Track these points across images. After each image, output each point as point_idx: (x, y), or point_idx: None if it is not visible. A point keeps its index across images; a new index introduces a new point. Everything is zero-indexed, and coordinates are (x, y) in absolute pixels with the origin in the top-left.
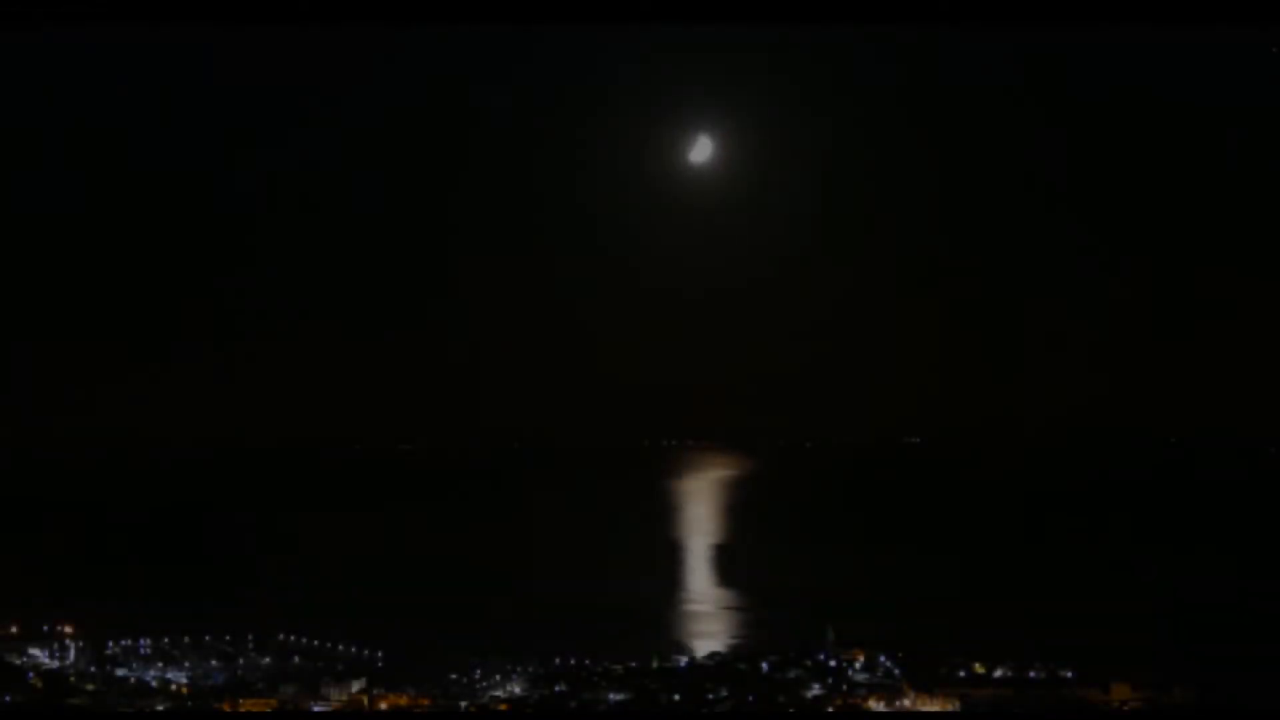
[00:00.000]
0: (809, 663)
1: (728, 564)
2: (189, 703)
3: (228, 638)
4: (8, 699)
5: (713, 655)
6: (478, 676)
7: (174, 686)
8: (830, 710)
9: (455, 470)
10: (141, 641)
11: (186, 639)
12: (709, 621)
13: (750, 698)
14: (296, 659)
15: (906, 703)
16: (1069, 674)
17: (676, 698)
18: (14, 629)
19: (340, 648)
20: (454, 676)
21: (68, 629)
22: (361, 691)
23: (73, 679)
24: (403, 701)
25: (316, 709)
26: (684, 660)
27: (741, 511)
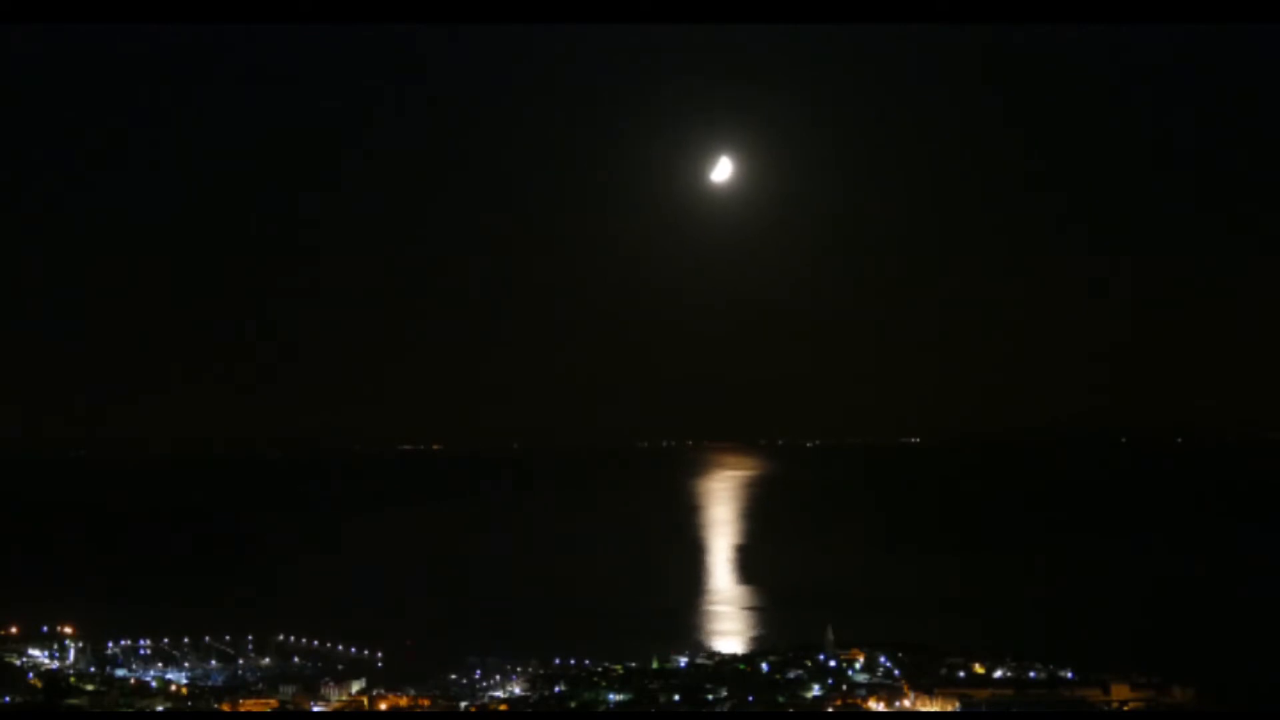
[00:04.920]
0: (809, 663)
1: (743, 563)
2: (189, 703)
3: (227, 638)
4: (7, 699)
5: (712, 655)
6: (478, 676)
7: (174, 687)
8: (830, 710)
9: (459, 471)
10: (141, 642)
11: (186, 639)
12: (724, 621)
13: (750, 698)
14: (296, 659)
15: (906, 703)
16: (1069, 674)
17: (676, 698)
18: (14, 629)
19: (340, 648)
20: (454, 676)
21: (68, 629)
22: (362, 692)
23: (73, 679)
24: (403, 702)
25: (316, 709)
26: (684, 660)
27: (756, 512)
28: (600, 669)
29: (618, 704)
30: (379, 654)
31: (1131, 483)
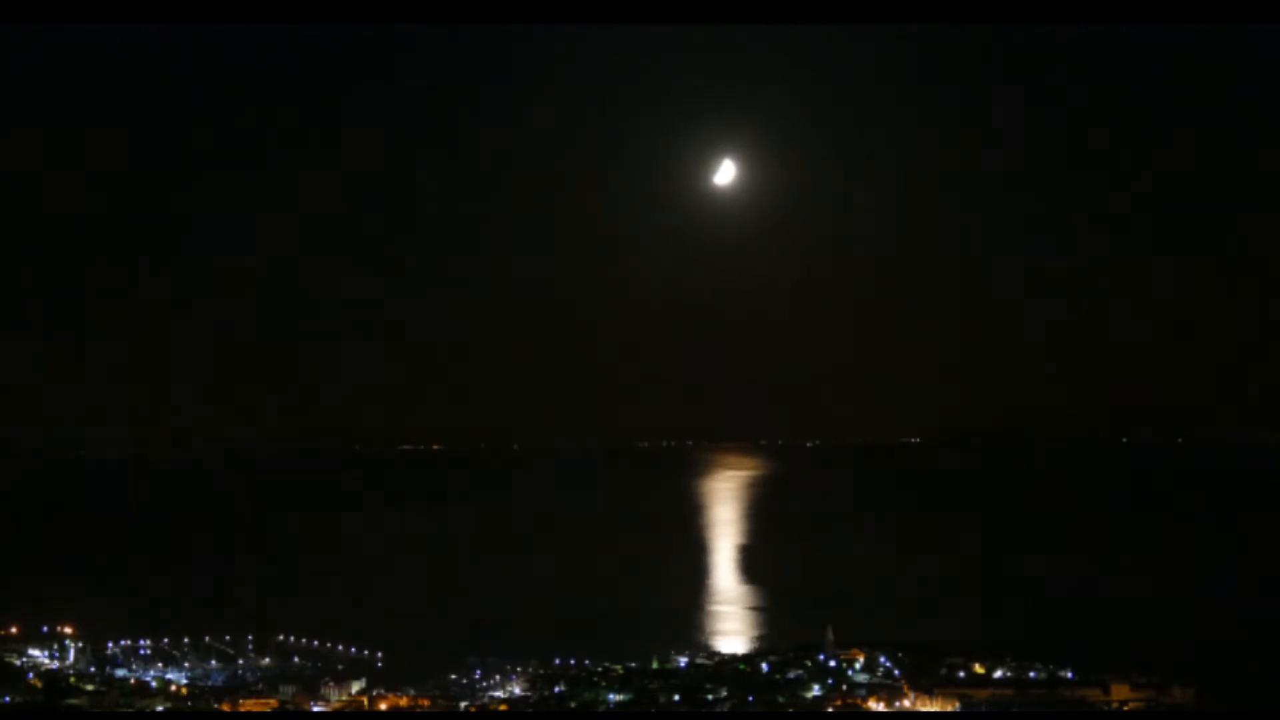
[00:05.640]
0: (809, 663)
1: (744, 563)
2: (189, 703)
3: (227, 638)
4: (7, 699)
5: (712, 655)
6: (478, 676)
7: (174, 687)
8: (830, 710)
9: (459, 471)
10: (141, 642)
11: (186, 639)
12: (724, 621)
13: (750, 698)
14: (296, 659)
15: (906, 703)
16: (1069, 674)
17: (676, 698)
18: (14, 629)
19: (340, 648)
20: (454, 676)
21: (68, 629)
22: (362, 692)
23: (73, 679)
24: (403, 702)
25: (316, 709)
26: (684, 660)
27: (756, 512)
28: (600, 669)
29: (618, 704)
30: (379, 654)
31: (1131, 483)
